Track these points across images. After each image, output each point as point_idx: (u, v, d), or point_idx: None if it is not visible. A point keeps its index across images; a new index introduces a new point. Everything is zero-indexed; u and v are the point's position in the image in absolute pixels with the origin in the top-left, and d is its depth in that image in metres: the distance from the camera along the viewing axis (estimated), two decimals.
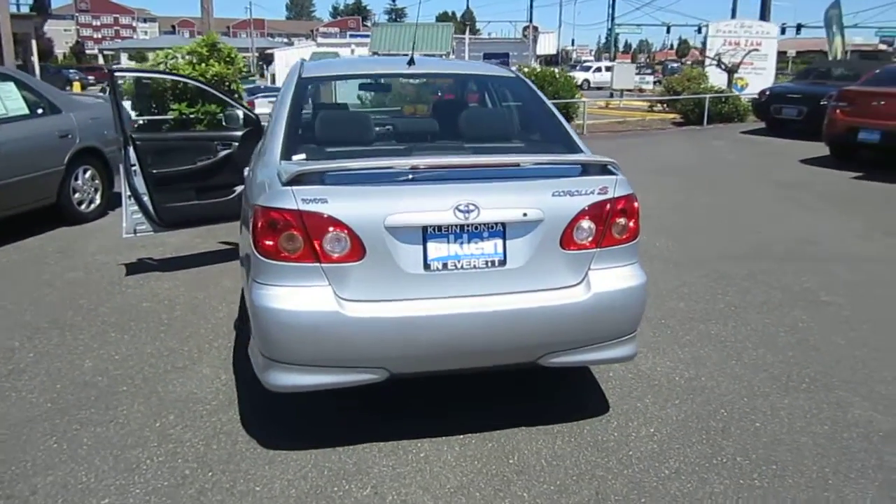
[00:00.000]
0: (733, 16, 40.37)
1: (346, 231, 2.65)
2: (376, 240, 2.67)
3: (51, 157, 6.23)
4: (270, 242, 2.67)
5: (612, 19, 56.07)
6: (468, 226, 2.74)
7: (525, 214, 2.77)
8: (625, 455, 2.91)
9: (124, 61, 58.07)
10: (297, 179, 2.64)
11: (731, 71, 20.09)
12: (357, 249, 2.67)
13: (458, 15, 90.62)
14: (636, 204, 2.95)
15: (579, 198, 2.83)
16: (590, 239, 2.86)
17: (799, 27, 47.21)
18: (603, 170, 2.91)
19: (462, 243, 2.76)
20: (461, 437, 3.03)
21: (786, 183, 9.10)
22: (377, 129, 3.66)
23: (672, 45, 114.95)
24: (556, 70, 17.36)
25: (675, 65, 50.68)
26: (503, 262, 2.79)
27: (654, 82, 33.60)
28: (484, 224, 2.75)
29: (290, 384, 2.77)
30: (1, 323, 4.30)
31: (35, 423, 3.14)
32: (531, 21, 50.97)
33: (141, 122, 8.66)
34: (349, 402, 3.22)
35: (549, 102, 3.65)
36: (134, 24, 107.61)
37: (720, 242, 6.18)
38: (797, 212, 7.50)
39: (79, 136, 6.49)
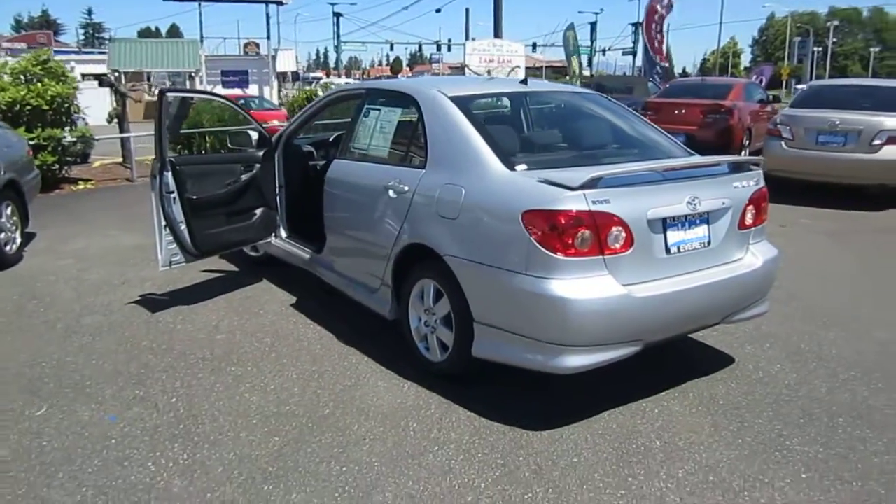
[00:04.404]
0: (467, 37, 44.30)
1: (622, 226, 3.11)
2: (640, 232, 3.18)
3: None
4: (563, 240, 3.02)
5: (338, 37, 57.84)
6: (691, 215, 3.36)
7: (723, 203, 3.48)
8: (786, 384, 3.73)
9: None
10: (587, 184, 3.03)
11: None
12: (628, 241, 3.14)
13: (163, 31, 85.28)
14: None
15: (747, 189, 3.61)
16: (751, 220, 3.66)
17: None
18: (751, 166, 3.72)
19: (686, 230, 3.38)
20: (654, 398, 3.57)
21: None
22: (551, 138, 4.05)
23: (381, 63, 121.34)
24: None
25: None
26: (709, 243, 3.47)
27: None
28: (698, 213, 3.40)
29: (580, 365, 3.13)
30: (83, 373, 3.80)
31: (287, 457, 3.04)
32: (269, 37, 50.25)
33: None
34: (538, 385, 3.62)
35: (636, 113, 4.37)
36: None
37: None
38: None
39: (3, 168, 5.60)
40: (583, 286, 3.05)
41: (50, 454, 3.04)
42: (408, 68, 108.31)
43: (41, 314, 4.76)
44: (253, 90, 34.55)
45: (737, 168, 3.68)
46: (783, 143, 8.61)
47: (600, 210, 3.05)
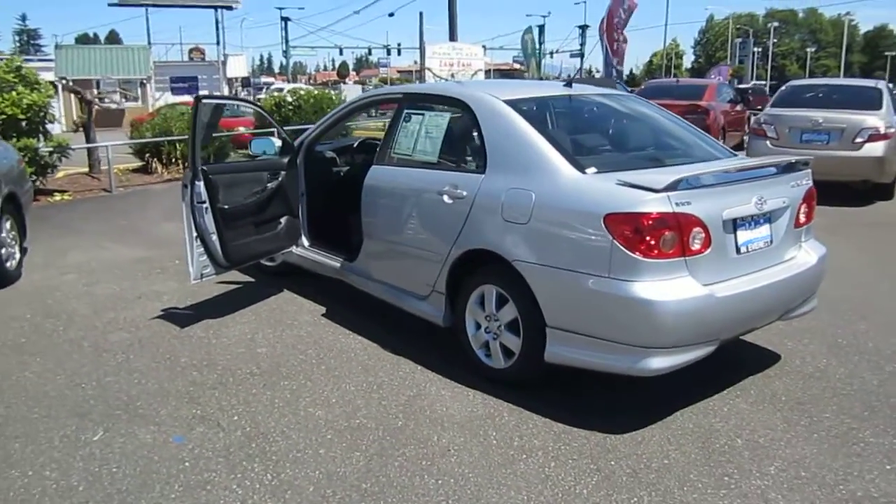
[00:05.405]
0: (421, 41, 44.16)
1: (701, 227, 3.13)
2: (716, 232, 3.21)
3: None
4: (647, 242, 3.03)
5: (287, 42, 57.16)
6: (757, 215, 3.42)
7: (783, 202, 3.54)
8: (838, 378, 3.81)
9: None
10: (670, 186, 3.04)
11: None
12: (706, 242, 3.17)
13: (102, 37, 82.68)
14: None
15: (801, 188, 3.69)
16: (804, 219, 3.74)
17: None
18: (801, 165, 3.80)
19: (752, 229, 3.43)
20: (718, 396, 3.60)
21: None
22: (608, 140, 4.06)
23: (326, 67, 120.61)
24: (333, 93, 17.66)
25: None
26: (771, 242, 3.53)
27: None
28: (762, 213, 3.45)
29: (665, 366, 3.14)
30: (130, 393, 3.63)
31: (377, 473, 2.96)
32: (219, 43, 49.20)
33: None
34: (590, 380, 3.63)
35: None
36: None
37: None
38: None
39: (3, 181, 5.32)
40: (668, 288, 3.07)
41: (123, 481, 2.89)
42: (354, 73, 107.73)
43: (62, 333, 4.54)
44: None
45: (789, 168, 3.75)
46: (768, 142, 8.84)
47: (683, 212, 3.07)
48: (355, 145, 5.48)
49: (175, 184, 11.73)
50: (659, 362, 3.13)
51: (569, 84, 4.26)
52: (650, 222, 3.02)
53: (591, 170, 3.40)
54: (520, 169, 3.54)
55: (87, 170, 12.68)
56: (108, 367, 4.00)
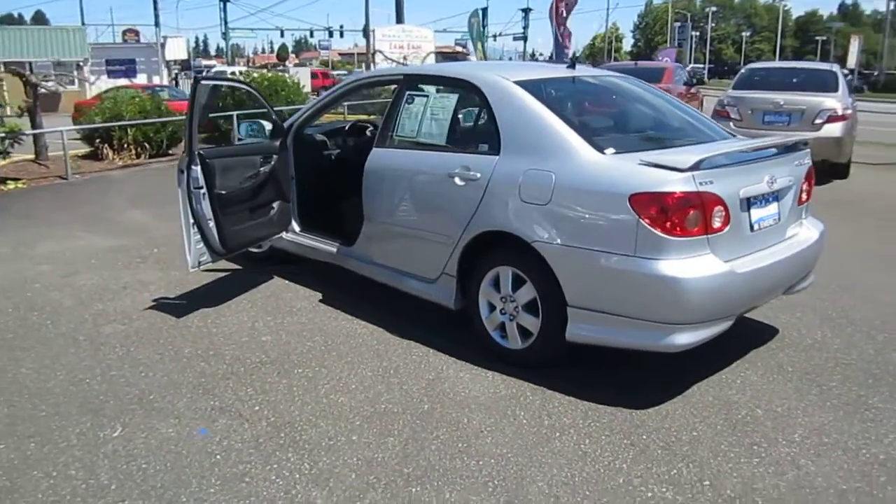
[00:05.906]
0: (367, 21, 43.63)
1: (722, 206, 3.21)
2: (735, 210, 3.29)
3: None
4: (673, 221, 3.09)
5: (226, 23, 55.60)
6: (768, 193, 3.51)
7: (789, 181, 3.65)
8: (837, 349, 3.98)
9: None
10: (694, 165, 3.10)
11: None
12: (726, 220, 3.25)
13: (29, 18, 79.40)
14: None
15: (803, 167, 3.81)
16: (805, 196, 3.86)
17: None
18: (802, 145, 3.91)
19: (763, 207, 3.53)
20: (729, 369, 3.72)
21: None
22: (620, 121, 4.08)
23: (264, 50, 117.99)
24: (287, 76, 17.27)
25: None
26: (779, 219, 3.64)
27: None
28: (772, 192, 3.55)
29: (689, 342, 3.21)
30: (140, 387, 3.51)
31: (416, 457, 2.95)
32: (157, 24, 47.45)
33: None
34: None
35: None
36: None
37: None
38: None
39: None
40: (693, 265, 3.13)
41: (157, 477, 2.80)
42: (293, 55, 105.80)
43: (51, 327, 4.34)
44: (141, 79, 32.71)
45: (792, 147, 3.85)
46: (731, 123, 9.06)
47: (706, 191, 3.13)
48: (347, 128, 5.39)
49: (131, 170, 11.38)
50: (684, 338, 3.20)
51: (572, 65, 4.28)
52: (676, 201, 3.08)
53: (610, 150, 3.43)
54: (537, 150, 3.54)
55: (33, 157, 12.13)
56: (109, 361, 3.85)
